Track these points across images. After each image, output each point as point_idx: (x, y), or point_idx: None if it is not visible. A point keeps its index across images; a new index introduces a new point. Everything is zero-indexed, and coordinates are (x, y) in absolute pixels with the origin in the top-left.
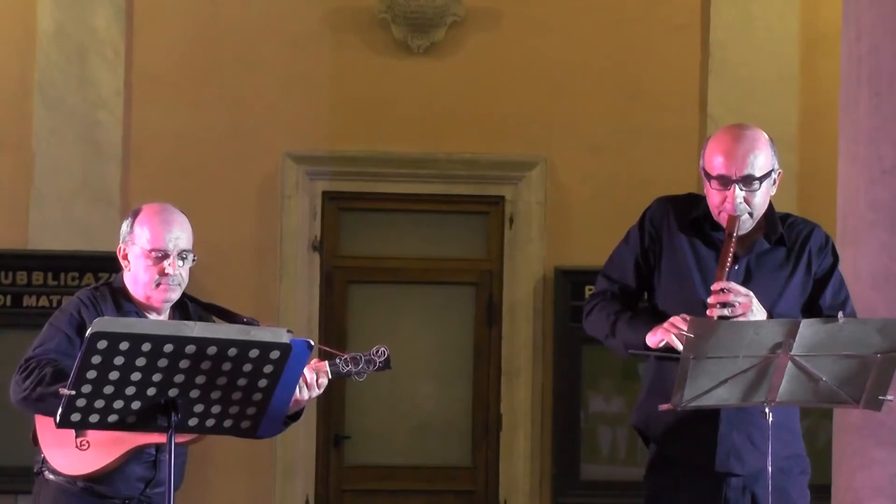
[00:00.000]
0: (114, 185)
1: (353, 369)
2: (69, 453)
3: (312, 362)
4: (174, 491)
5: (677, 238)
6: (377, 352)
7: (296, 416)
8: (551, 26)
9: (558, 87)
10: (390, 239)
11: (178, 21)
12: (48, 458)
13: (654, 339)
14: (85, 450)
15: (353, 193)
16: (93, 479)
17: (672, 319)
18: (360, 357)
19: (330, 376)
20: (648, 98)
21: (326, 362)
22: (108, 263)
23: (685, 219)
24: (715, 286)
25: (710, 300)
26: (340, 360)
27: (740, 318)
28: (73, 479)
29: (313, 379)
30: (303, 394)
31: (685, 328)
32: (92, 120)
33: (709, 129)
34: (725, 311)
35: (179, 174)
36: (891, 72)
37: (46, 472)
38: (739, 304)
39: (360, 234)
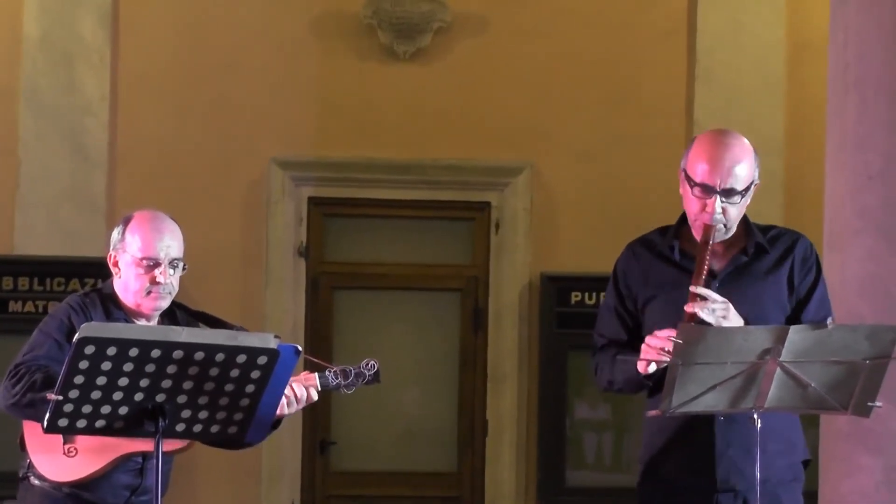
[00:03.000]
0: (100, 191)
1: (343, 382)
2: (57, 460)
3: (301, 375)
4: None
5: (652, 274)
6: (367, 365)
7: (276, 424)
8: (537, 32)
9: (544, 93)
10: (376, 245)
11: (164, 27)
12: (35, 463)
13: (641, 366)
14: (73, 456)
15: (338, 199)
16: (78, 485)
17: (647, 339)
18: (350, 370)
19: (319, 389)
20: (635, 104)
21: (316, 375)
22: (94, 269)
23: (652, 254)
24: (692, 289)
25: (686, 308)
26: (329, 372)
27: (722, 324)
28: (58, 486)
29: (303, 394)
30: (291, 408)
31: (657, 344)
32: (78, 126)
33: (695, 135)
34: (703, 316)
35: (165, 180)
36: (878, 79)
37: (32, 478)
38: (716, 311)
39: (346, 240)
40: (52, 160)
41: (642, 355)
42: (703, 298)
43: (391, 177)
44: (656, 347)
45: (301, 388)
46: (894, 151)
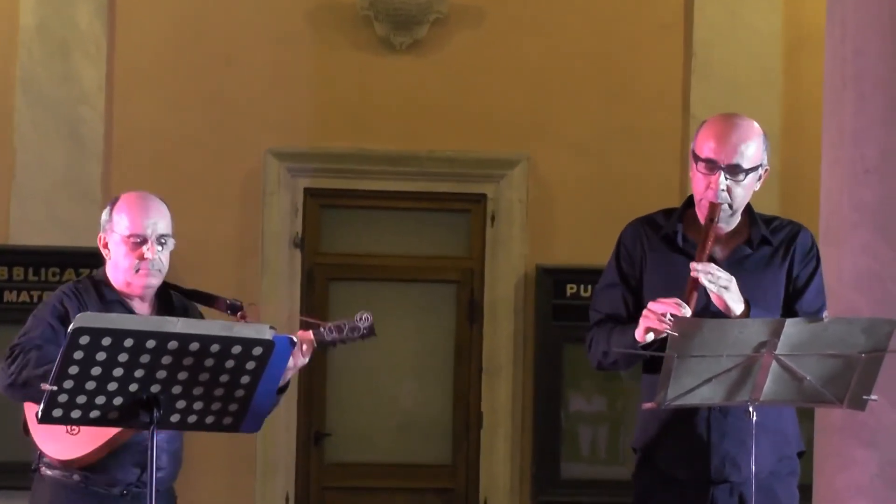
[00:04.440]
0: (95, 181)
1: (338, 336)
2: (60, 438)
3: (298, 333)
4: (172, 479)
5: (655, 255)
6: (360, 318)
7: (282, 389)
8: (534, 24)
9: (541, 86)
10: (372, 236)
11: (161, 17)
12: (39, 445)
13: (639, 332)
14: (75, 434)
15: (334, 190)
16: (88, 468)
17: (649, 305)
18: (344, 325)
19: (315, 345)
20: (631, 97)
21: (311, 332)
22: (90, 259)
23: (657, 236)
24: (694, 265)
25: (691, 275)
26: (325, 328)
27: (724, 294)
28: (69, 472)
29: (297, 348)
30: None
31: (660, 309)
32: (74, 116)
33: (692, 129)
34: (705, 282)
35: (161, 170)
36: (875, 74)
37: (43, 468)
38: (720, 280)
39: (342, 232)
40: (48, 150)
41: (642, 322)
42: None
43: (387, 168)
44: (658, 313)
45: (297, 343)
46: (891, 146)
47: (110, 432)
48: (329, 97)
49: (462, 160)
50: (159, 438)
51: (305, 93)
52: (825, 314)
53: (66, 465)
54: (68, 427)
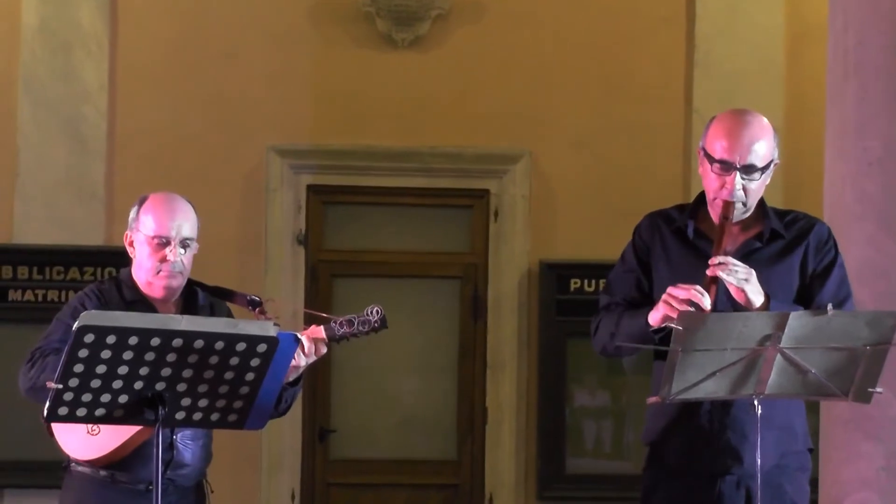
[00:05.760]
0: (98, 180)
1: (349, 331)
2: (81, 438)
3: (309, 328)
4: (199, 474)
5: (667, 248)
6: (371, 311)
7: (295, 382)
8: (535, 20)
9: (543, 81)
10: (375, 233)
11: (162, 15)
12: (62, 446)
13: (655, 315)
14: (96, 434)
15: (337, 187)
16: (112, 465)
17: (669, 290)
18: (354, 319)
19: (327, 341)
20: (633, 91)
21: (322, 328)
22: (93, 257)
23: (669, 229)
24: (713, 260)
25: (708, 272)
26: (335, 323)
27: (744, 287)
28: (95, 468)
29: (311, 349)
30: (300, 360)
31: (681, 295)
32: (76, 114)
33: (694, 123)
34: (725, 277)
35: (164, 168)
36: (878, 64)
37: (73, 465)
38: (738, 273)
39: (345, 228)
40: (51, 149)
41: (661, 307)
42: (725, 263)
43: (390, 164)
44: (679, 299)
45: (309, 342)
46: (894, 138)
47: (130, 431)
48: (331, 94)
49: (464, 156)
50: (184, 435)
51: (307, 90)
52: (845, 310)
53: (90, 464)
54: (89, 428)
